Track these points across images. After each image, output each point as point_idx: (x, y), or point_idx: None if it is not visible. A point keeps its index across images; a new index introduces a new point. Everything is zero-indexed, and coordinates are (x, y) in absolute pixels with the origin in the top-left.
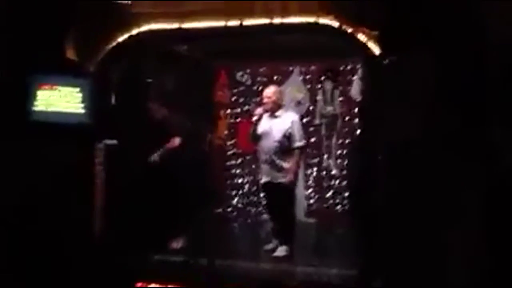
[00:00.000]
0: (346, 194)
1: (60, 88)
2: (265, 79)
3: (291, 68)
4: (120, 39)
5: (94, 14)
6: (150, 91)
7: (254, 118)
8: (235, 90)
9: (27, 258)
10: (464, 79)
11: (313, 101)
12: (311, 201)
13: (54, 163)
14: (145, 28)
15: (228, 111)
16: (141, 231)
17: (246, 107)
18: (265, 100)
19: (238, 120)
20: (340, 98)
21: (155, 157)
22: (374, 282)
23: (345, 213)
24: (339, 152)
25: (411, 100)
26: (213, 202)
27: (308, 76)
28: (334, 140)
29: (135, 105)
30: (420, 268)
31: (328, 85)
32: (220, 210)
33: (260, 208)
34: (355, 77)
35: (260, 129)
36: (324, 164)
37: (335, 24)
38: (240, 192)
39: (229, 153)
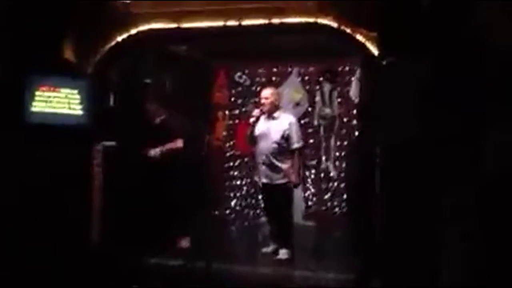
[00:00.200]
0: (345, 196)
1: (59, 89)
2: (263, 80)
3: (289, 69)
4: (119, 39)
5: (93, 14)
6: (149, 92)
7: (252, 120)
8: (233, 91)
9: (23, 258)
10: (462, 80)
11: (312, 103)
12: (309, 203)
13: (52, 164)
14: (143, 28)
15: (227, 112)
16: (138, 234)
17: (245, 108)
18: (262, 101)
19: (237, 121)
20: (339, 100)
21: (156, 152)
22: (372, 285)
23: (343, 216)
24: (337, 153)
25: (410, 101)
26: (211, 204)
27: (306, 77)
28: (332, 141)
29: (133, 106)
30: (418, 271)
31: (327, 86)
32: (217, 212)
33: (258, 211)
34: (353, 78)
35: (258, 130)
36: (322, 166)
37: (334, 24)
38: (239, 194)
39: (227, 154)
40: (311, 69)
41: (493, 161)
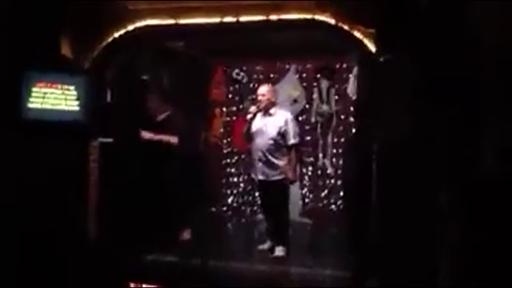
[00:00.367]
0: (342, 193)
1: (55, 85)
2: (261, 77)
3: (287, 66)
4: (116, 35)
5: (90, 10)
6: (150, 88)
7: (249, 117)
8: (231, 88)
9: (19, 255)
10: (459, 78)
11: (309, 100)
12: (306, 200)
13: (49, 160)
14: (141, 24)
15: (224, 109)
16: (135, 230)
17: (242, 105)
18: (259, 98)
19: (234, 118)
20: (336, 97)
21: (149, 135)
22: (368, 282)
23: (340, 213)
24: (334, 150)
25: (407, 99)
26: (208, 201)
27: (304, 74)
28: (329, 138)
29: (130, 102)
30: (415, 270)
31: (324, 83)
32: (214, 209)
33: (255, 208)
34: (351, 75)
35: (254, 127)
36: (320, 163)
37: (331, 21)
38: (235, 191)
39: (224, 151)
40: (308, 66)
41: (490, 160)
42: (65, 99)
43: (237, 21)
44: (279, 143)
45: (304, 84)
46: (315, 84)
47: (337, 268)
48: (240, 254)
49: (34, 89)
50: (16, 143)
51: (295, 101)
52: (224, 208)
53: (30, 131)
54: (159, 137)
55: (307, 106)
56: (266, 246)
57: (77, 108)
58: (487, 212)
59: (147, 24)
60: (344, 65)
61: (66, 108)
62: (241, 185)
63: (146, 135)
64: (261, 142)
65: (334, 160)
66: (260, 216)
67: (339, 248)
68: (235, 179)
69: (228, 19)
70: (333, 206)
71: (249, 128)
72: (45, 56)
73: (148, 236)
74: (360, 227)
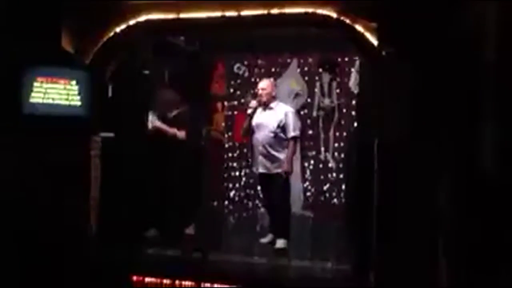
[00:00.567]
0: (343, 187)
1: (57, 80)
2: (262, 71)
3: (289, 60)
4: (117, 30)
5: (91, 5)
6: (166, 83)
7: (249, 111)
8: (232, 82)
9: (20, 250)
10: (461, 72)
11: (311, 94)
12: (308, 194)
13: (50, 156)
14: (142, 18)
15: (225, 103)
16: (136, 225)
17: (243, 100)
18: (260, 92)
19: (235, 112)
20: (338, 90)
21: (157, 124)
22: (368, 276)
23: (341, 206)
24: (336, 144)
25: (408, 94)
26: (209, 195)
27: (305, 68)
28: (331, 132)
29: (132, 97)
30: (414, 263)
31: (326, 77)
32: (216, 203)
33: (257, 202)
34: (352, 69)
35: (255, 121)
36: (321, 157)
37: (333, 15)
38: (237, 185)
39: (226, 145)
40: (310, 60)
41: (489, 158)
42: (67, 94)
43: (239, 16)
44: (280, 136)
45: (306, 78)
46: (317, 78)
47: (338, 261)
48: (241, 247)
49: (35, 84)
50: (17, 138)
51: (296, 95)
52: (226, 202)
53: (31, 126)
54: (171, 130)
55: (309, 100)
56: (267, 239)
57: (78, 103)
58: (487, 211)
59: (148, 19)
60: (346, 59)
61: (67, 103)
62: (243, 179)
63: (159, 125)
64: (262, 136)
65: (336, 154)
66: (262, 210)
67: (340, 242)
68: (237, 173)
69: (230, 13)
70: (334, 200)
71: (249, 122)
72: (46, 51)
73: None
74: (361, 221)
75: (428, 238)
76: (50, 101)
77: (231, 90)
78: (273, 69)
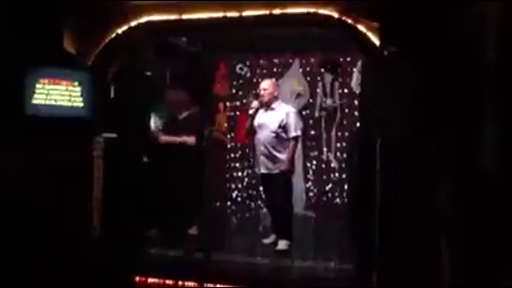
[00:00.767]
0: (345, 187)
1: (59, 81)
2: (264, 71)
3: (290, 60)
4: (119, 31)
5: (92, 5)
6: (176, 85)
7: (251, 111)
8: (234, 83)
9: (23, 250)
10: (463, 72)
11: (313, 94)
12: (310, 194)
13: (53, 156)
14: (144, 19)
15: (227, 103)
16: (139, 225)
17: (245, 100)
18: (261, 93)
19: (238, 113)
20: (340, 91)
21: (168, 139)
22: (371, 275)
23: (344, 206)
24: (338, 144)
25: (411, 93)
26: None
27: (307, 68)
28: (333, 132)
29: (134, 98)
30: (417, 262)
31: (328, 77)
32: (218, 204)
33: (259, 202)
34: (354, 69)
35: (257, 121)
36: (324, 157)
37: (335, 15)
38: (240, 185)
39: (228, 146)
40: (312, 60)
41: (491, 158)
42: (69, 95)
43: (240, 16)
44: (281, 136)
45: (308, 78)
46: (319, 78)
47: (341, 261)
48: (244, 248)
49: (37, 86)
50: (20, 139)
51: (298, 95)
52: (228, 203)
53: (34, 127)
54: (179, 139)
55: (311, 100)
56: (270, 240)
57: (80, 104)
58: (488, 211)
59: (150, 20)
60: (348, 59)
61: (69, 104)
62: (245, 179)
63: (166, 139)
64: (264, 136)
65: (338, 154)
66: (264, 211)
67: (343, 242)
68: (239, 174)
69: (231, 14)
70: (337, 200)
71: (251, 122)
72: (48, 52)
73: (153, 232)
74: (363, 221)
75: (431, 237)
76: (53, 102)
77: (233, 91)
78: (275, 69)
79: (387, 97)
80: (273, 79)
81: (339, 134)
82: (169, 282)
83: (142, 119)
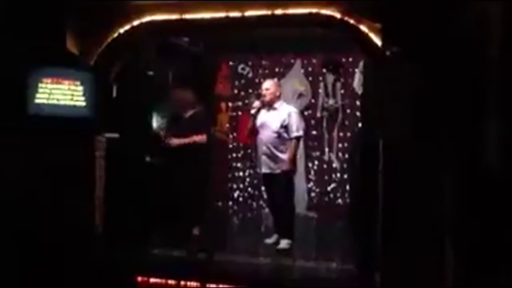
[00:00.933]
0: (347, 187)
1: (61, 81)
2: (266, 71)
3: (292, 61)
4: (121, 30)
5: (94, 5)
6: (181, 83)
7: (253, 111)
8: (236, 83)
9: (25, 250)
10: (465, 72)
11: (315, 94)
12: (312, 194)
13: (55, 156)
14: (146, 19)
15: (230, 103)
16: (141, 225)
17: (247, 100)
18: (263, 93)
19: (240, 113)
20: (342, 91)
21: (179, 142)
22: (373, 276)
23: (346, 206)
24: (340, 145)
25: (413, 93)
26: (214, 196)
27: (309, 69)
28: (335, 133)
29: (136, 97)
30: (419, 262)
31: (330, 78)
32: (220, 203)
33: (261, 202)
34: (356, 70)
35: (259, 121)
36: (326, 157)
37: (337, 15)
38: (241, 185)
39: (230, 146)
40: (314, 60)
41: (493, 157)
42: (71, 95)
43: (242, 16)
44: (283, 136)
45: (310, 78)
46: (320, 78)
47: (343, 261)
48: (246, 248)
49: (40, 85)
50: (23, 138)
51: (300, 95)
52: (231, 203)
53: (36, 127)
54: (190, 140)
55: (312, 100)
56: (272, 240)
57: (83, 104)
58: (491, 210)
59: (152, 20)
60: (350, 59)
61: (72, 103)
62: (247, 179)
63: (175, 142)
64: (265, 136)
65: (340, 154)
66: (266, 211)
67: (345, 242)
68: (241, 174)
69: (233, 14)
70: (339, 200)
71: (253, 122)
72: (51, 52)
73: (155, 232)
74: (365, 221)
75: (433, 237)
76: (55, 101)
77: (235, 91)
78: (277, 70)
79: (389, 98)
80: (275, 79)
81: (341, 134)
82: (171, 282)
83: (144, 119)
